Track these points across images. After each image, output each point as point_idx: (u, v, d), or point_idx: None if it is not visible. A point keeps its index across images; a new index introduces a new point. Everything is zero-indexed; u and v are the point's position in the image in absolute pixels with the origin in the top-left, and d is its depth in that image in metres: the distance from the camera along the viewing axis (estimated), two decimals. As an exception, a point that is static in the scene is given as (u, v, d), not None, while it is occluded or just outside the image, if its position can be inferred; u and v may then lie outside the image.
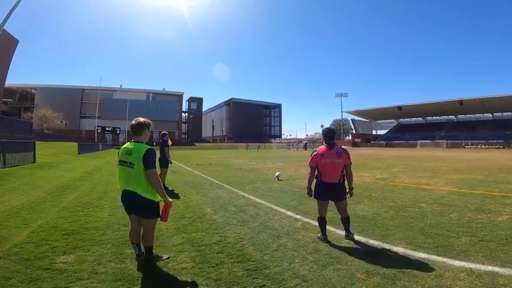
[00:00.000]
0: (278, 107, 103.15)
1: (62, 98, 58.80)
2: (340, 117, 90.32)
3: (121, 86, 69.44)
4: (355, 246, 3.21)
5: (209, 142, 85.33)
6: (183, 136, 79.68)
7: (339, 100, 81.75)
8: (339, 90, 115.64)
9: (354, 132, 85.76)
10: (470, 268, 2.54)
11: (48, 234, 3.57)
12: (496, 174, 10.04)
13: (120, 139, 60.48)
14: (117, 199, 5.92)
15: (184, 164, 15.92)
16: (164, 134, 7.84)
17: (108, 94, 66.10)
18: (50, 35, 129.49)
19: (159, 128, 68.40)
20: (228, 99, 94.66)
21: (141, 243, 2.78)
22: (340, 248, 3.13)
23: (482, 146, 51.13)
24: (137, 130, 2.75)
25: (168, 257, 2.91)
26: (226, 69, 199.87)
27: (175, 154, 30.02)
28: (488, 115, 66.28)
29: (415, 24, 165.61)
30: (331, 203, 3.53)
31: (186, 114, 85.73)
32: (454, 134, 62.82)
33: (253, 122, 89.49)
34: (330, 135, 3.51)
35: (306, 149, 46.16)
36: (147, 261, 2.73)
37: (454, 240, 3.30)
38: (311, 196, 3.56)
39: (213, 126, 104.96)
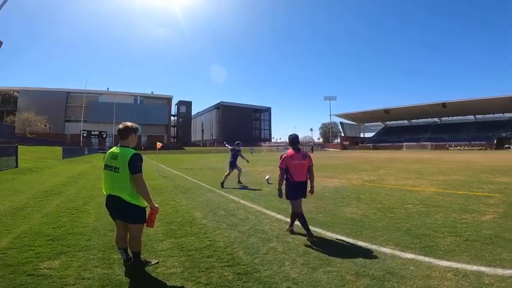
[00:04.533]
0: (268, 110, 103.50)
1: (46, 101, 57.12)
2: (329, 121, 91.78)
3: (108, 89, 68.13)
4: (344, 248, 3.24)
5: (199, 146, 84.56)
6: (172, 140, 78.78)
7: (327, 103, 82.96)
8: (328, 94, 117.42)
9: (343, 135, 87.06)
10: (457, 268, 2.60)
11: (31, 240, 3.49)
12: (478, 174, 10.37)
13: (107, 143, 59.18)
14: (103, 204, 5.85)
15: (174, 168, 15.75)
16: (238, 143, 9.81)
17: (94, 97, 64.74)
18: (34, 36, 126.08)
19: (147, 132, 68.04)
20: (217, 102, 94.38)
21: (128, 249, 2.73)
22: (330, 250, 3.15)
23: (466, 148, 52.81)
24: (124, 134, 2.70)
25: (157, 262, 2.88)
26: (222, 70, 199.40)
27: (164, 158, 29.72)
28: (471, 117, 68.64)
29: (399, 30, 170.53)
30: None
31: (175, 117, 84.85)
32: (438, 136, 64.69)
33: (243, 126, 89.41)
34: (295, 140, 3.95)
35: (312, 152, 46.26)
36: (135, 266, 2.69)
37: (440, 240, 3.38)
38: (281, 197, 3.91)
39: (202, 129, 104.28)
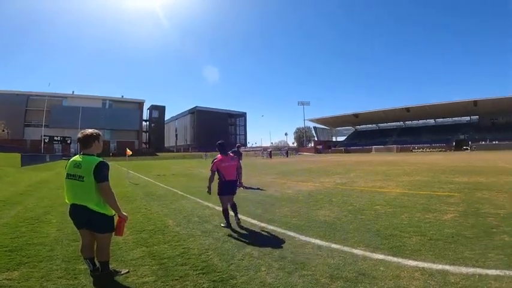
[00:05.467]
0: (243, 115, 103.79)
1: (4, 105, 52.83)
2: (303, 125, 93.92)
3: (73, 92, 64.38)
4: (318, 251, 3.28)
5: (172, 151, 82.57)
6: (144, 146, 76.10)
7: (301, 108, 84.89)
8: (302, 99, 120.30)
9: (316, 139, 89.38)
10: (423, 267, 2.71)
11: (-13, 251, 3.22)
12: (439, 175, 11.11)
13: (72, 149, 55.82)
14: (66, 213, 5.44)
15: (145, 175, 15.15)
16: (239, 146, 11.04)
17: (57, 101, 60.88)
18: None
19: (117, 137, 65.13)
20: (192, 107, 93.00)
21: (96, 259, 2.63)
22: (304, 254, 3.18)
23: (428, 150, 56.53)
24: (85, 143, 2.58)
25: (128, 272, 2.79)
26: (215, 71, 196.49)
27: (135, 164, 28.58)
28: (432, 121, 73.82)
29: (366, 36, 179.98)
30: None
31: (147, 122, 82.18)
32: (403, 138, 68.69)
33: (218, 131, 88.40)
34: (222, 147, 4.61)
35: (270, 157, 46.65)
36: (104, 276, 2.60)
37: (407, 240, 3.54)
38: (210, 193, 4.59)
39: (176, 135, 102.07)
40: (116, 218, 2.61)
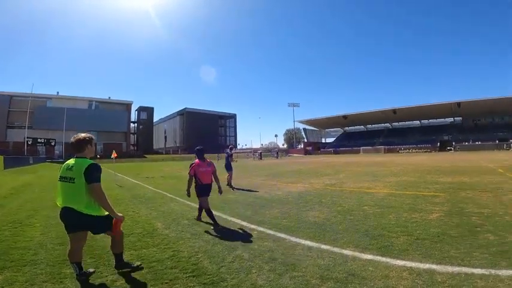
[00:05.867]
0: (233, 117, 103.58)
1: (-16, 106, 50.87)
2: (292, 127, 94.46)
3: (58, 93, 62.54)
4: (308, 252, 3.29)
5: (161, 153, 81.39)
6: (132, 148, 74.77)
7: (291, 110, 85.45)
8: (292, 100, 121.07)
9: (306, 140, 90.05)
10: (411, 267, 2.76)
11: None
12: (425, 175, 11.39)
13: (56, 151, 54.22)
14: (51, 217, 5.37)
15: (133, 177, 14.88)
16: (231, 148, 11.81)
17: (41, 102, 58.94)
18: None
19: (104, 139, 63.73)
20: (181, 109, 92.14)
21: (111, 251, 2.88)
22: (295, 255, 3.19)
23: (413, 150, 57.89)
24: (78, 147, 2.66)
25: (140, 265, 2.92)
26: (212, 71, 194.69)
27: (123, 167, 28.00)
28: (417, 122, 75.68)
29: (354, 39, 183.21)
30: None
31: (136, 124, 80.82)
32: (390, 140, 70.07)
33: (207, 133, 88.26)
34: (200, 152, 4.88)
35: (261, 159, 46.67)
36: (120, 268, 2.82)
37: (394, 240, 3.60)
38: (189, 196, 4.82)
39: (165, 137, 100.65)
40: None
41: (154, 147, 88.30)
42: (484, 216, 4.60)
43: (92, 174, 2.48)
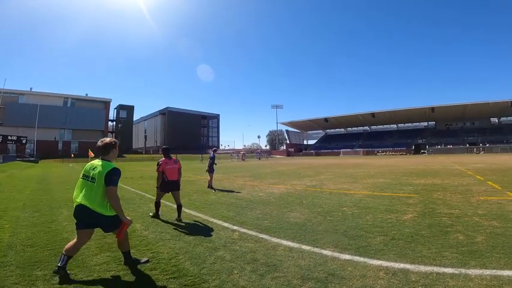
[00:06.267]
0: (216, 117, 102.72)
1: None
2: (276, 128, 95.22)
3: (31, 89, 59.28)
4: (290, 253, 3.33)
5: (141, 153, 79.26)
6: (109, 147, 72.11)
7: (275, 112, 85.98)
8: (276, 102, 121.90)
9: (288, 142, 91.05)
10: (387, 267, 2.85)
11: None
12: (400, 177, 11.86)
13: (27, 150, 51.33)
14: (20, 218, 5.24)
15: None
16: (215, 150, 11.43)
17: (12, 98, 55.60)
18: None
19: (79, 137, 61.19)
20: (163, 108, 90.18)
21: (120, 250, 3.01)
22: (276, 256, 3.21)
23: (390, 153, 60.20)
24: (104, 150, 2.88)
25: (148, 260, 3.04)
26: (211, 71, 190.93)
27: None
28: (394, 126, 78.73)
29: (343, 44, 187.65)
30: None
31: (114, 123, 78.14)
32: (368, 142, 72.47)
33: (190, 132, 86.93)
34: (166, 151, 5.46)
35: (259, 159, 46.51)
36: (130, 263, 2.93)
37: (371, 240, 3.72)
38: (160, 191, 5.25)
39: (145, 136, 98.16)
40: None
41: (134, 146, 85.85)
42: (454, 216, 4.85)
43: (111, 178, 2.66)
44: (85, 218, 2.69)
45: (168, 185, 5.19)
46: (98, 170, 2.71)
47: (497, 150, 50.84)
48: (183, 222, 4.90)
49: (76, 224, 2.76)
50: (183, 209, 6.17)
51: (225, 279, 2.63)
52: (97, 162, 2.84)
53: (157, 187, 5.22)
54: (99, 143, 2.91)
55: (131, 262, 2.95)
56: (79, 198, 2.72)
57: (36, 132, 51.38)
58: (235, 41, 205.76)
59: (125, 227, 2.78)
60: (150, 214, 5.37)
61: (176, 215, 5.12)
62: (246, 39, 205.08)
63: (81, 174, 2.83)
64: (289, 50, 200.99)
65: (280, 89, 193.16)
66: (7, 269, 2.88)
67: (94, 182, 2.68)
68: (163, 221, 5.01)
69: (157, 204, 5.29)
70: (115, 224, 2.75)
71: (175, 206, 5.24)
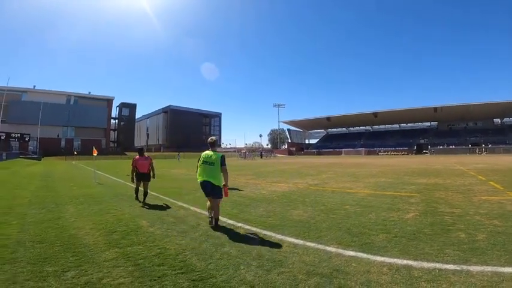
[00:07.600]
0: (218, 116, 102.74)
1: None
2: (277, 127, 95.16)
3: (34, 86, 59.52)
4: (294, 249, 3.40)
5: (142, 151, 79.19)
6: (112, 144, 72.51)
7: (276, 110, 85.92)
8: (278, 101, 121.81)
9: (290, 141, 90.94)
10: (390, 263, 2.91)
11: None
12: (402, 176, 11.89)
13: (30, 147, 51.59)
14: (28, 214, 5.33)
15: (113, 175, 14.48)
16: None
17: (16, 95, 55.85)
18: None
19: (82, 135, 61.48)
20: (165, 106, 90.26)
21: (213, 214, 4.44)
22: (281, 252, 3.28)
23: (392, 153, 60.03)
24: (214, 144, 4.54)
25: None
26: (215, 69, 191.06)
27: (102, 164, 27.17)
28: (396, 126, 78.45)
29: (341, 43, 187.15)
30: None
31: (116, 120, 78.34)
32: (370, 142, 72.23)
33: (191, 131, 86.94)
34: (140, 151, 7.11)
35: (261, 157, 46.30)
36: (217, 227, 4.32)
37: (374, 237, 3.77)
38: (134, 182, 6.88)
39: (147, 134, 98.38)
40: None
41: (136, 144, 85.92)
42: (455, 215, 4.90)
43: (224, 161, 4.30)
44: (208, 189, 4.28)
45: (139, 175, 6.72)
46: (213, 158, 4.27)
47: (500, 151, 50.57)
48: (190, 220, 4.96)
49: (204, 193, 4.42)
50: (188, 206, 6.28)
51: (232, 274, 2.68)
52: (210, 152, 4.36)
53: (131, 177, 6.76)
54: (209, 140, 4.55)
55: (218, 226, 4.32)
56: (204, 177, 4.29)
57: (39, 129, 51.66)
58: (237, 40, 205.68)
59: (226, 190, 4.28)
60: (135, 197, 7.00)
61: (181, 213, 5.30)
62: (248, 39, 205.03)
63: (201, 161, 4.37)
64: (292, 50, 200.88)
65: (282, 88, 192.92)
66: (18, 265, 2.92)
67: (213, 165, 4.24)
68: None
69: (137, 189, 6.97)
70: (221, 192, 4.28)
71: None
